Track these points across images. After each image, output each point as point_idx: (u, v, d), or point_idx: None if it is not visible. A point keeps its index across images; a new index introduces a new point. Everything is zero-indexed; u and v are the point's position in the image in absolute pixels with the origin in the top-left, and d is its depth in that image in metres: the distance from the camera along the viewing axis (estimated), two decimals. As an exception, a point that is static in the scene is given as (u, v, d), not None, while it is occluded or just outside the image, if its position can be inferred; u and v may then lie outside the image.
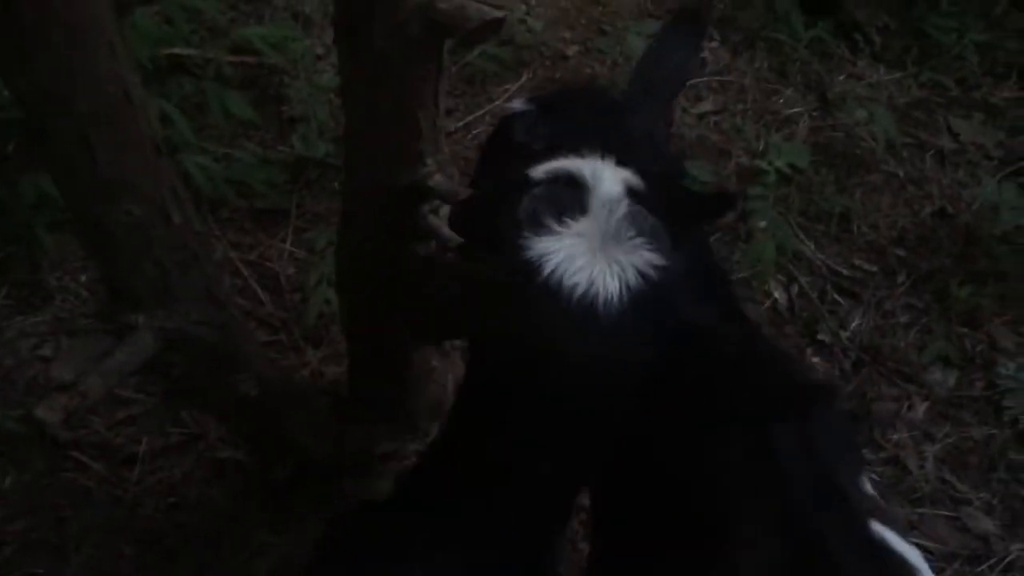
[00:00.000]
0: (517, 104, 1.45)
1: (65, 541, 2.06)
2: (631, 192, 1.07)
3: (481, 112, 2.76)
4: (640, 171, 1.12)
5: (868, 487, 1.28)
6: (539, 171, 1.12)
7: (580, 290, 0.98)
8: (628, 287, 0.99)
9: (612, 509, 1.51)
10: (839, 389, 1.54)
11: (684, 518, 1.27)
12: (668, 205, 1.09)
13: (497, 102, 2.79)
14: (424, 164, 1.35)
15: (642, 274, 1.00)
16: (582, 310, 0.98)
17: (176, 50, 2.51)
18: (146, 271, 1.28)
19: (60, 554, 2.04)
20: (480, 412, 1.16)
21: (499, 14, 1.12)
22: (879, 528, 1.17)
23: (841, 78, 2.95)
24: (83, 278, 2.38)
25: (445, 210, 1.41)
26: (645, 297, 0.99)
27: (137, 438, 2.18)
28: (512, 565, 1.19)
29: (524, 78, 2.85)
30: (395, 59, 1.19)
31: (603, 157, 1.12)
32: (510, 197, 1.09)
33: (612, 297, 0.99)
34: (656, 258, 1.01)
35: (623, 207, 1.04)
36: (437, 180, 1.36)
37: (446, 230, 1.43)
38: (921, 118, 2.89)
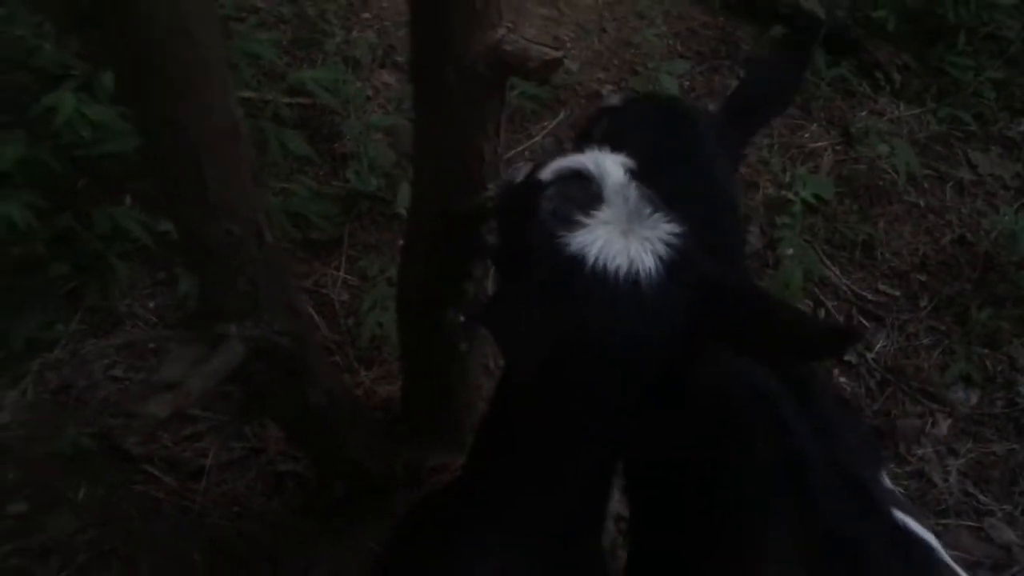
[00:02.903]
0: (613, 98, 1.54)
1: (135, 550, 2.13)
2: (631, 173, 1.18)
3: (521, 148, 2.89)
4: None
5: (887, 481, 1.38)
6: (546, 172, 1.22)
7: (624, 270, 1.08)
8: (660, 258, 1.10)
9: (647, 513, 1.60)
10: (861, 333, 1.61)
11: (711, 513, 1.34)
12: (769, 334, 1.14)
13: (536, 138, 2.92)
14: (485, 189, 1.50)
15: (667, 244, 1.11)
16: (630, 287, 1.08)
17: (237, 93, 2.66)
18: (239, 284, 1.42)
19: (131, 562, 2.11)
20: (528, 397, 1.22)
21: (558, 54, 1.27)
22: (900, 515, 1.27)
23: (863, 114, 3.08)
24: (151, 304, 2.51)
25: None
26: (674, 263, 1.10)
27: (203, 452, 2.27)
28: (563, 542, 1.27)
29: (561, 115, 2.98)
30: (464, 95, 1.33)
31: (599, 148, 1.23)
32: (529, 202, 1.19)
33: (651, 270, 1.09)
34: (674, 227, 1.12)
35: (634, 189, 1.15)
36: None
37: (503, 249, 1.56)
38: (941, 151, 3.00)
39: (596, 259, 1.09)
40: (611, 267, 1.08)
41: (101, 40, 1.25)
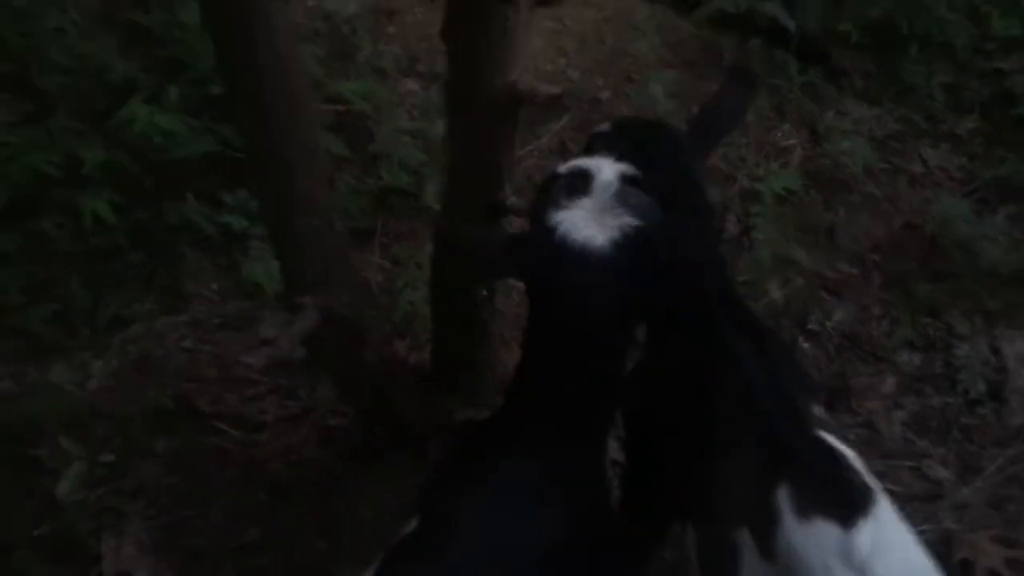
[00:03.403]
0: (603, 127, 1.87)
1: (209, 492, 2.38)
2: (624, 178, 1.50)
3: (529, 148, 3.16)
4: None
5: (818, 410, 1.74)
6: (564, 168, 1.56)
7: (579, 243, 1.43)
8: (613, 241, 1.43)
9: (637, 455, 1.91)
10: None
11: (688, 446, 1.65)
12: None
13: (542, 140, 3.21)
14: (503, 189, 1.90)
15: (622, 232, 1.44)
16: (581, 256, 1.43)
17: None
18: (315, 264, 1.80)
19: (205, 502, 2.37)
20: (532, 336, 1.58)
21: (558, 91, 1.67)
22: (824, 434, 1.57)
23: (830, 115, 3.35)
24: (215, 286, 2.81)
25: (517, 222, 1.94)
26: (623, 247, 1.43)
27: (264, 410, 2.55)
28: (576, 458, 1.58)
29: (565, 120, 3.26)
30: (488, 119, 1.73)
31: (607, 156, 1.56)
32: (546, 187, 1.53)
33: (601, 247, 1.43)
34: (633, 222, 1.44)
35: (614, 189, 1.47)
36: (513, 200, 1.89)
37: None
38: (896, 147, 3.28)
39: (562, 232, 1.44)
40: (570, 239, 1.43)
41: (221, 79, 1.61)
